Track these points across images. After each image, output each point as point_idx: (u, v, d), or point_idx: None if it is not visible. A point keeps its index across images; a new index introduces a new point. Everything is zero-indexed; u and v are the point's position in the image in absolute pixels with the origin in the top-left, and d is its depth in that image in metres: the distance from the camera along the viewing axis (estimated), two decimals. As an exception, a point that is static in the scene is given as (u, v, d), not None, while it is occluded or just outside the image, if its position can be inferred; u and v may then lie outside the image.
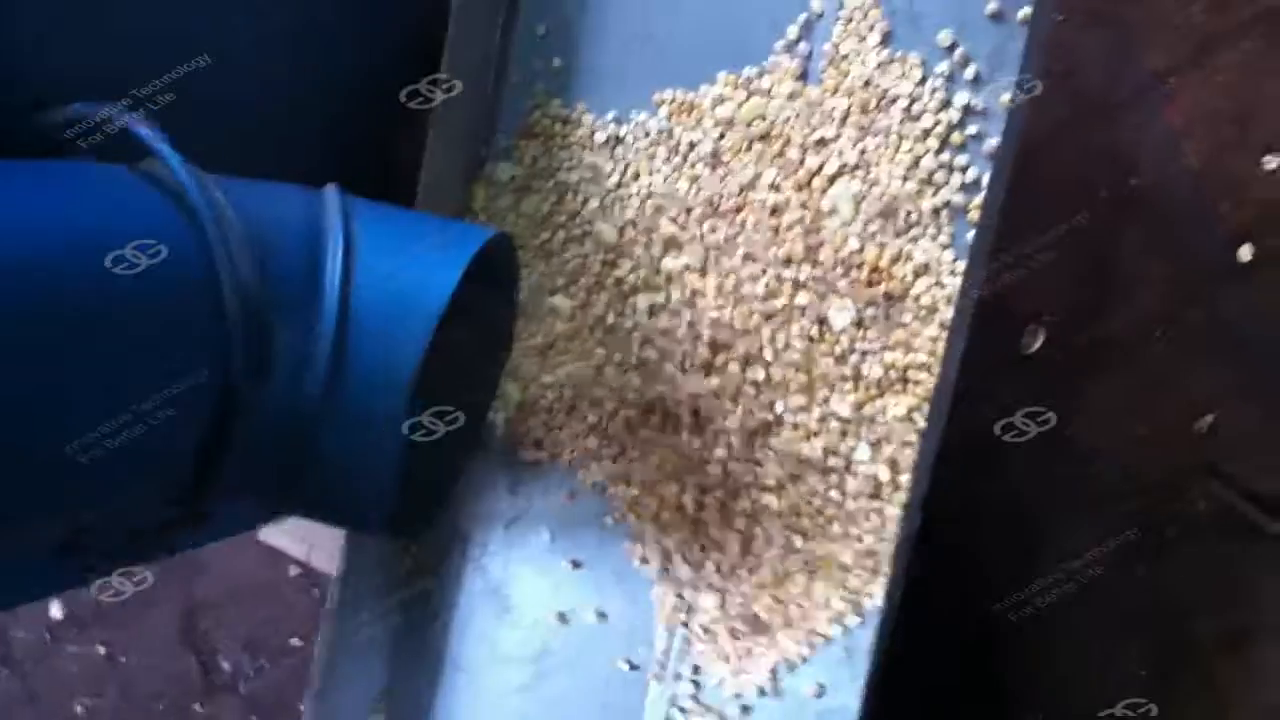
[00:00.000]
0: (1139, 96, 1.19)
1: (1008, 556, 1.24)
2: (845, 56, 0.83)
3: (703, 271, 0.88)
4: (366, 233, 0.63)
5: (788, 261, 0.85)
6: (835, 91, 0.83)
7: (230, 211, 0.56)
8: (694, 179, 0.88)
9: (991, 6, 0.79)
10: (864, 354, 0.84)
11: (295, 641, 1.46)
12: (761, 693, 0.89)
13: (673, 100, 0.88)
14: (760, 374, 0.86)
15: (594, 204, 0.91)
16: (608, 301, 0.90)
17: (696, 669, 0.91)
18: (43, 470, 0.50)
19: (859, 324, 0.84)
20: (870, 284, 0.83)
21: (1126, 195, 1.20)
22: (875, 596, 0.86)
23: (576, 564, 0.94)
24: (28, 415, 0.47)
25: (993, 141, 0.81)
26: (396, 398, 0.60)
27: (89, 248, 0.50)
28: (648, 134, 0.89)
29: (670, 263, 0.88)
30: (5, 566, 0.72)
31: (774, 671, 0.89)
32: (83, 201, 0.52)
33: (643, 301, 0.89)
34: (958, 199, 0.81)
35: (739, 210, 0.86)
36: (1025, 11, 0.79)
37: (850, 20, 0.82)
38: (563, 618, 0.95)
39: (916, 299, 0.83)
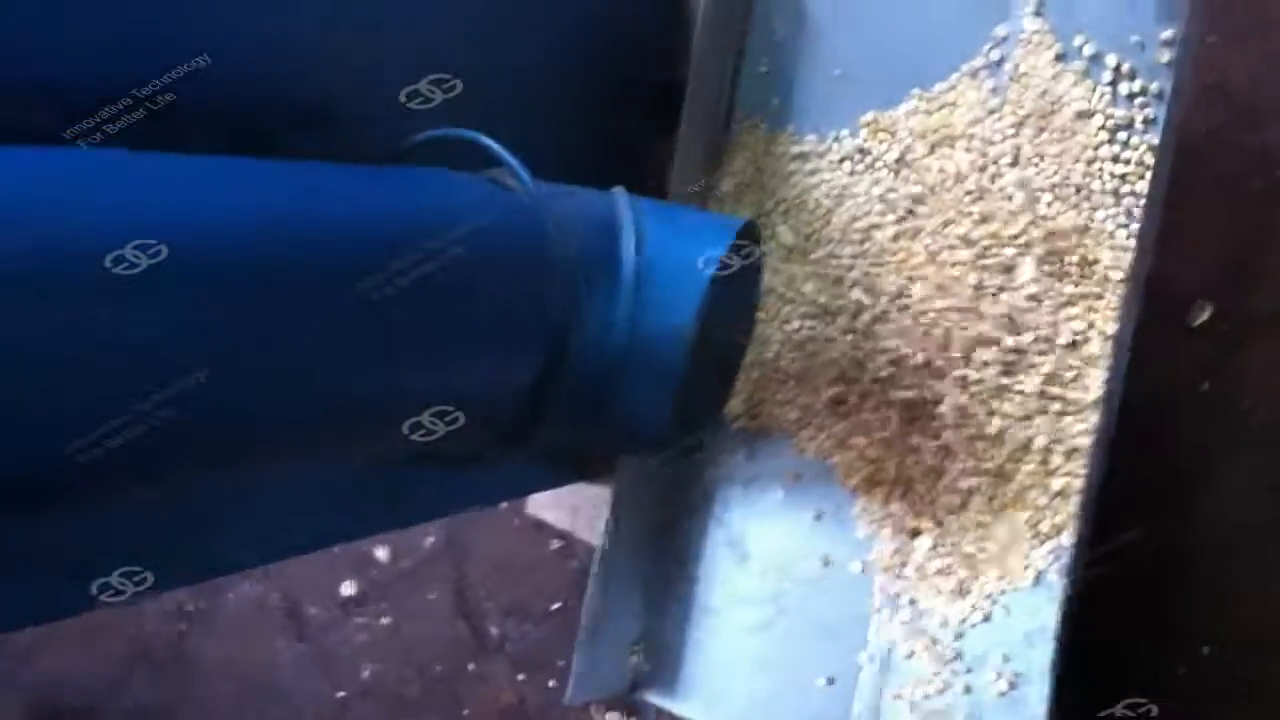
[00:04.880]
0: (1285, 102, 1.31)
1: (1180, 501, 1.35)
2: (1025, 73, 0.98)
3: (890, 256, 1.04)
4: (650, 221, 0.81)
5: (969, 240, 1.00)
6: (1016, 100, 0.99)
7: (555, 207, 0.75)
8: (880, 180, 1.04)
9: (1151, 30, 0.94)
10: (1048, 319, 0.98)
11: (555, 606, 1.65)
12: (970, 621, 1.03)
13: (873, 121, 1.05)
14: (954, 342, 1.01)
15: (781, 209, 1.08)
16: (782, 291, 1.07)
17: (914, 602, 1.05)
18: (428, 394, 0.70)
19: (1040, 294, 0.98)
20: (1051, 255, 0.97)
21: (1278, 186, 1.32)
22: (1066, 533, 0.99)
23: (811, 517, 1.09)
24: (440, 348, 0.67)
25: (1155, 135, 0.95)
26: (680, 343, 0.78)
27: (469, 231, 0.69)
28: (843, 148, 1.06)
29: (852, 250, 1.05)
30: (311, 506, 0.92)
31: (981, 601, 1.03)
32: (458, 198, 0.72)
33: (809, 287, 1.06)
34: (1127, 183, 0.96)
35: (925, 201, 1.02)
36: (1176, 32, 0.94)
37: (1030, 42, 0.98)
38: (794, 564, 1.10)
39: (1094, 267, 0.97)
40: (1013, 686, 1.00)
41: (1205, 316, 1.35)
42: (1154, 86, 0.95)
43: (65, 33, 0.63)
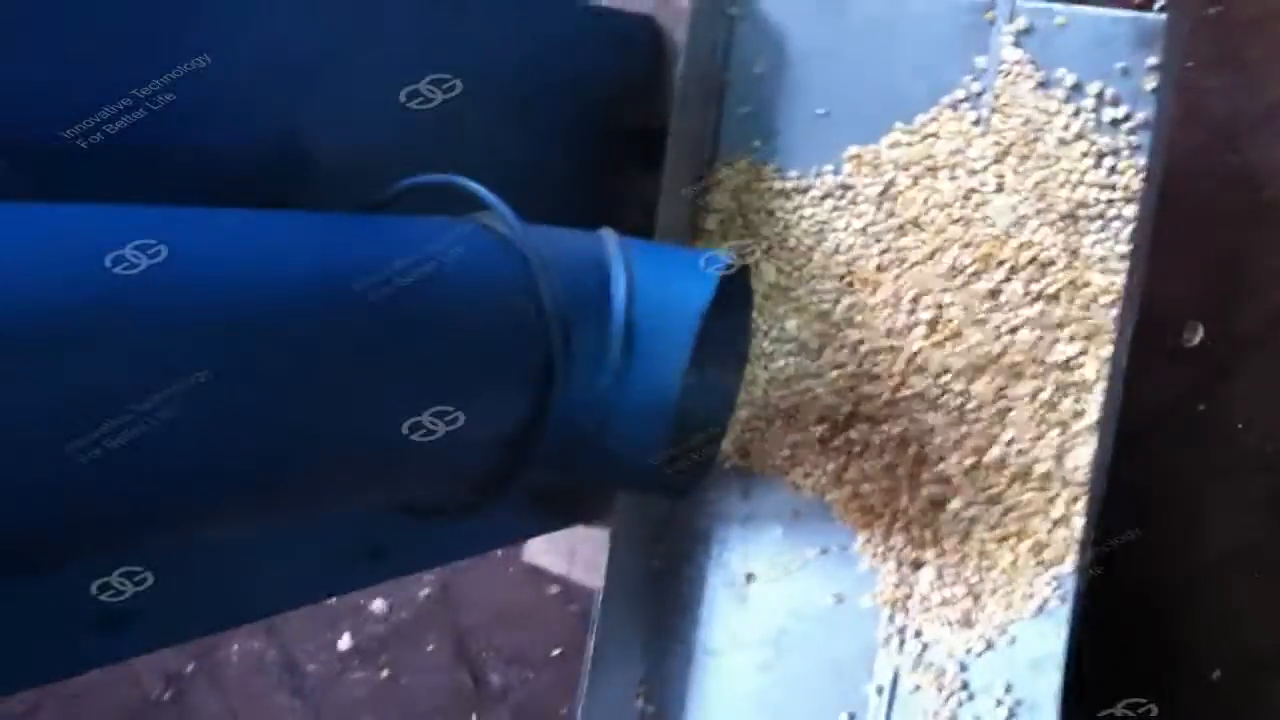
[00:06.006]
0: (1263, 123, 1.33)
1: (1179, 521, 1.35)
2: (1006, 102, 0.98)
3: (875, 289, 1.04)
4: (639, 260, 0.81)
5: (956, 267, 1.01)
6: (998, 129, 0.99)
7: (542, 248, 0.75)
8: (863, 214, 1.04)
9: (1134, 57, 0.95)
10: (1041, 344, 0.98)
11: (556, 652, 1.64)
12: (975, 651, 1.03)
13: (856, 155, 1.05)
14: (946, 371, 1.01)
15: (764, 246, 1.08)
16: (765, 329, 1.07)
17: (919, 634, 1.04)
18: (417, 443, 0.69)
19: (1031, 319, 0.98)
20: (1040, 279, 0.97)
21: (1260, 207, 1.33)
22: (1069, 561, 0.99)
23: (815, 553, 1.09)
24: (426, 389, 0.67)
25: (1141, 159, 0.95)
26: (672, 382, 0.78)
27: (455, 275, 0.69)
28: (825, 183, 1.06)
29: (835, 285, 1.05)
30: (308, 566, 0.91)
31: (987, 631, 1.02)
32: (440, 241, 0.72)
33: (792, 324, 1.06)
34: (1114, 207, 0.96)
35: (909, 232, 1.02)
36: (1157, 60, 0.95)
37: (1010, 72, 0.98)
38: (798, 602, 1.09)
39: (1085, 290, 0.97)
40: (1020, 717, 1.00)
41: (1198, 338, 1.35)
42: (1140, 113, 0.96)
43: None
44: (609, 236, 0.84)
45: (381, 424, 0.68)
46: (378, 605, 1.74)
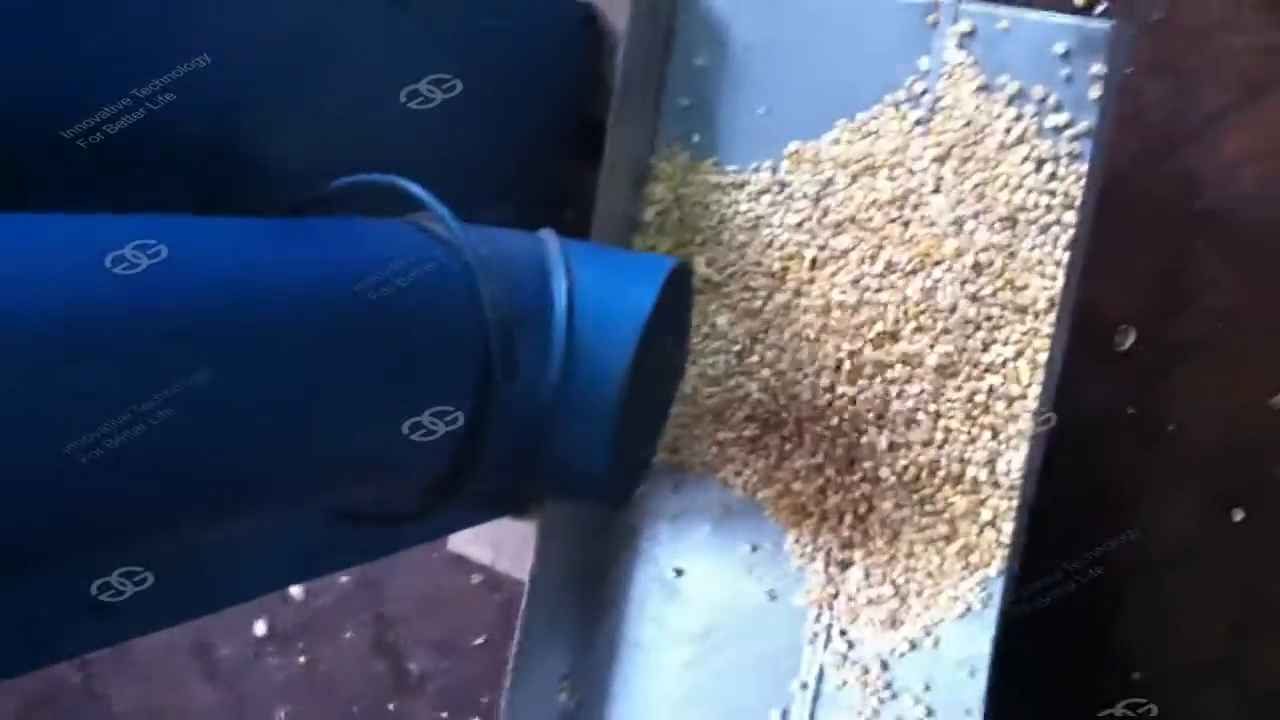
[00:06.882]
0: (1200, 131, 1.35)
1: (1109, 525, 1.37)
2: (948, 104, 0.98)
3: (808, 286, 1.03)
4: (581, 263, 0.80)
5: (891, 265, 1.00)
6: (940, 130, 0.99)
7: (483, 250, 0.73)
8: (800, 211, 1.03)
9: (1079, 64, 0.95)
10: (975, 346, 0.98)
11: (478, 641, 1.62)
12: (899, 651, 1.03)
13: (796, 152, 1.04)
14: (878, 372, 1.01)
15: (699, 240, 1.07)
16: (697, 325, 1.06)
17: (844, 633, 1.05)
18: (356, 453, 0.68)
19: (966, 319, 0.98)
20: (976, 280, 0.97)
21: (1196, 214, 1.35)
22: (996, 563, 1.00)
23: (746, 550, 1.08)
24: (348, 405, 0.65)
25: (1082, 166, 0.96)
26: (614, 389, 0.76)
27: (392, 279, 0.67)
28: (763, 179, 1.05)
29: (768, 282, 1.04)
30: (264, 551, 0.89)
31: (913, 632, 1.02)
32: (380, 245, 0.70)
33: (724, 320, 1.05)
34: (1054, 213, 0.96)
35: (846, 230, 1.02)
36: (1100, 68, 0.95)
37: (953, 74, 0.98)
38: (728, 599, 1.09)
39: (1022, 294, 0.97)
40: (939, 716, 1.00)
41: (1129, 342, 1.37)
42: (1082, 121, 0.96)
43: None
44: (550, 238, 0.82)
45: (351, 428, 0.67)
46: (295, 591, 1.71)
